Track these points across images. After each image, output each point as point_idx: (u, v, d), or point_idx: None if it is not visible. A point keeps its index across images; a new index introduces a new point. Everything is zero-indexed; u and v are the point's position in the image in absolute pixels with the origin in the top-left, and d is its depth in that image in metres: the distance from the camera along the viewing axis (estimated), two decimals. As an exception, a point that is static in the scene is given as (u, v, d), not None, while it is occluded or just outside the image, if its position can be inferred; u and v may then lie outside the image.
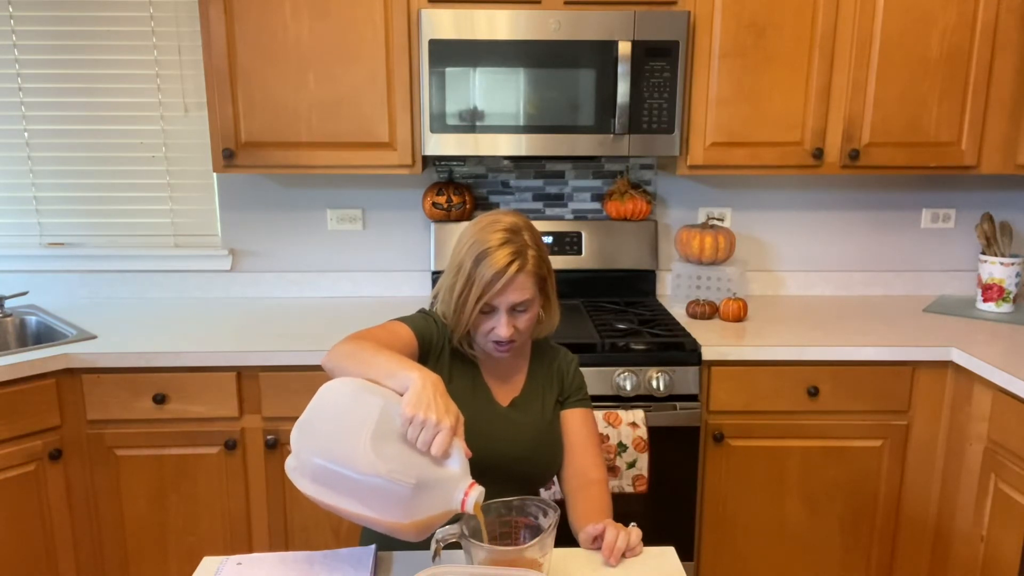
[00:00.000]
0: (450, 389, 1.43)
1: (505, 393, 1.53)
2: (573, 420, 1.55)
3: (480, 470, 1.36)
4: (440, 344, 1.49)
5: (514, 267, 1.37)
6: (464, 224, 2.64)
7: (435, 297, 1.50)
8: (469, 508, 1.12)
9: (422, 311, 1.53)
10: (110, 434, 2.18)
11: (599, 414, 2.07)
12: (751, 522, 2.31)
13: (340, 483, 1.11)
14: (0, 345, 2.45)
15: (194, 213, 2.76)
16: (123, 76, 2.65)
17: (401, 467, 1.08)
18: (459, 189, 2.64)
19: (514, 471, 1.45)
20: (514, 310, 1.41)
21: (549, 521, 1.16)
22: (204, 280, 2.77)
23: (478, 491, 1.12)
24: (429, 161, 2.67)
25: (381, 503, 1.09)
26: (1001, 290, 2.52)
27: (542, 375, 1.57)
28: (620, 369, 2.16)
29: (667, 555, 1.31)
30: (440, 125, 2.29)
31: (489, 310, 1.41)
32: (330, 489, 1.12)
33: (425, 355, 1.46)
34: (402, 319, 1.46)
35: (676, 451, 2.19)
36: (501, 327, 1.40)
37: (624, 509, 2.20)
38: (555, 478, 1.56)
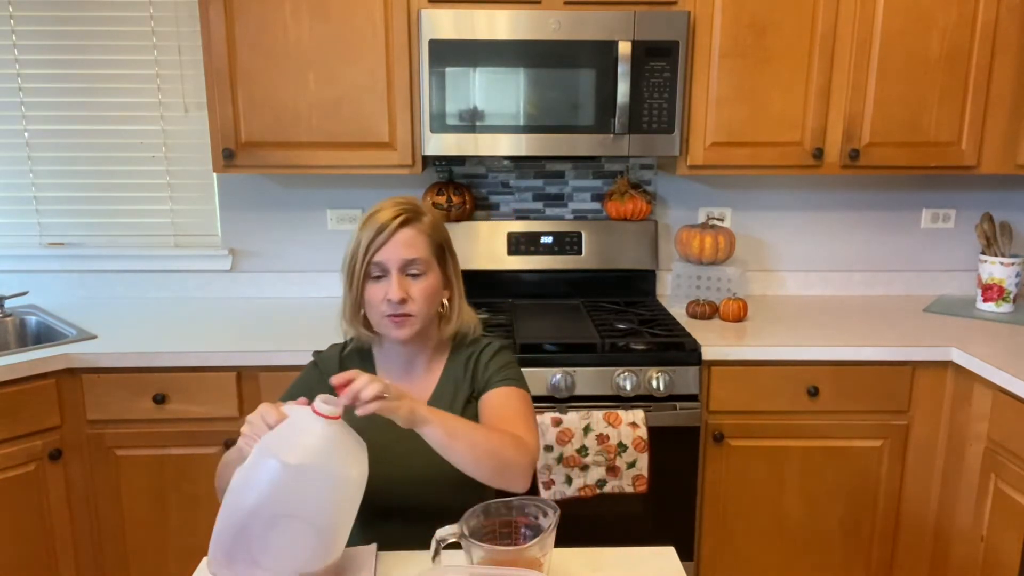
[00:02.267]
0: (346, 419, 1.32)
1: None
2: (489, 400, 1.40)
3: (387, 508, 1.33)
4: (321, 385, 1.41)
5: (400, 219, 1.34)
6: (464, 223, 2.65)
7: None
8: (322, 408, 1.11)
9: (312, 359, 1.51)
10: (110, 434, 2.18)
11: (599, 414, 2.07)
12: (751, 522, 2.31)
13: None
14: (0, 345, 2.45)
15: (194, 213, 2.76)
16: (123, 76, 2.65)
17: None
18: (459, 189, 2.64)
19: (427, 501, 1.36)
20: (407, 273, 1.36)
21: (549, 521, 1.16)
22: (204, 280, 2.77)
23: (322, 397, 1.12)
24: (429, 161, 2.67)
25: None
26: (1001, 290, 2.52)
27: (454, 376, 1.47)
28: (620, 369, 2.15)
29: (667, 555, 1.31)
30: (440, 125, 2.29)
31: (379, 273, 1.35)
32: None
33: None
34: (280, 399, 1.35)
35: (676, 451, 2.19)
36: (392, 287, 1.33)
37: (624, 509, 2.21)
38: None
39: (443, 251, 1.43)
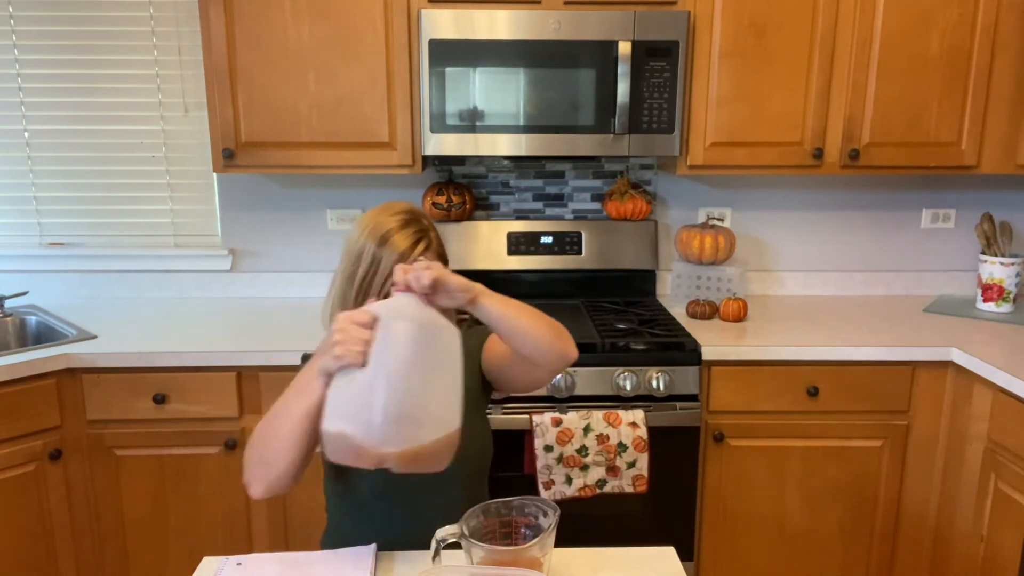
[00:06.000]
0: None
1: None
2: (492, 342, 1.44)
3: (409, 486, 1.34)
4: None
5: (421, 246, 1.38)
6: (464, 223, 2.65)
7: (327, 303, 1.47)
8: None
9: (304, 363, 1.50)
10: (110, 434, 2.18)
11: (599, 414, 2.07)
12: (751, 522, 2.31)
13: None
14: (0, 345, 2.45)
15: (194, 213, 2.76)
16: (123, 76, 2.65)
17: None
18: (459, 189, 2.64)
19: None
20: None
21: (549, 521, 1.16)
22: (204, 280, 2.77)
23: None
24: (429, 161, 2.67)
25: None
26: (1001, 290, 2.52)
27: None
28: (620, 369, 2.15)
29: (667, 555, 1.31)
30: (440, 125, 2.29)
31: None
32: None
33: None
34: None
35: (676, 451, 2.19)
36: None
37: (624, 509, 2.21)
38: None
39: (445, 264, 1.45)
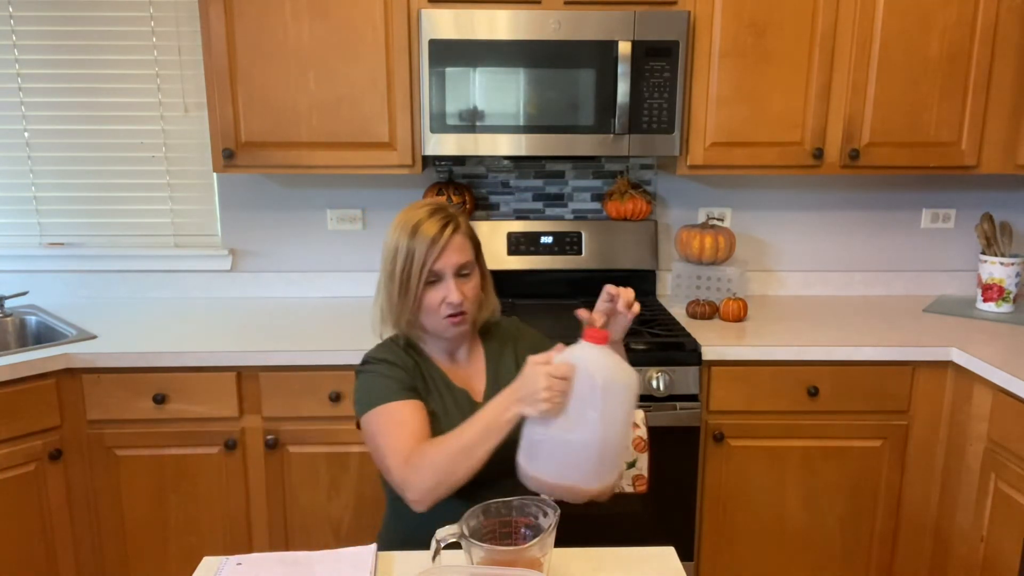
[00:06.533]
0: (432, 403, 1.47)
1: (475, 389, 1.55)
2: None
3: (491, 476, 1.36)
4: (415, 371, 1.50)
5: (449, 229, 1.45)
6: (464, 224, 2.65)
7: (375, 308, 1.52)
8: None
9: (373, 364, 1.49)
10: (110, 434, 2.18)
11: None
12: (751, 522, 2.31)
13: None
14: (0, 345, 2.45)
15: (194, 213, 2.76)
16: (123, 76, 2.65)
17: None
18: (459, 189, 2.64)
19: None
20: (459, 275, 1.46)
21: (549, 521, 1.16)
22: (204, 280, 2.77)
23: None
24: (429, 161, 2.67)
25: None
26: (1001, 290, 2.52)
27: (498, 353, 1.60)
28: (620, 369, 2.15)
29: (667, 555, 1.31)
30: (440, 125, 2.29)
31: (435, 279, 1.45)
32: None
33: (424, 395, 1.47)
34: (388, 399, 1.42)
35: (676, 451, 2.19)
36: (452, 291, 1.44)
37: (624, 509, 2.21)
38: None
39: (479, 247, 1.54)
